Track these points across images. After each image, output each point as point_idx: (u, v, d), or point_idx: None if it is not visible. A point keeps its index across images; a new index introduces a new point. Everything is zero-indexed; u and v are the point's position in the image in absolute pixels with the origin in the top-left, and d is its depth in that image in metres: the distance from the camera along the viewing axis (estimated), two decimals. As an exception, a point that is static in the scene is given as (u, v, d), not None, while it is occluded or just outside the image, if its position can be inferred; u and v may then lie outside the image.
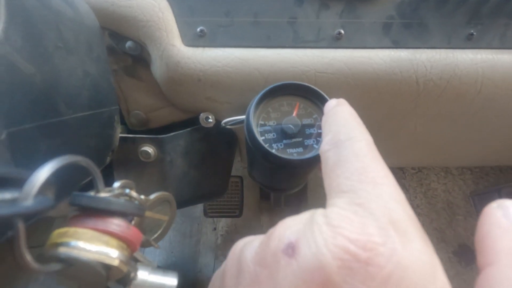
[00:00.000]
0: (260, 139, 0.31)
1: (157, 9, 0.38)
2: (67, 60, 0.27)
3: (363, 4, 0.40)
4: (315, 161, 0.30)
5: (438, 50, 0.41)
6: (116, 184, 0.20)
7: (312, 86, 0.33)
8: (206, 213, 1.17)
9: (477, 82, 0.41)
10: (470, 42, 0.42)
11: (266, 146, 0.31)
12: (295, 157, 0.31)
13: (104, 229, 0.16)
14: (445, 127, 0.49)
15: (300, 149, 0.32)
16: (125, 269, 0.16)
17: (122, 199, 0.18)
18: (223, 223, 1.38)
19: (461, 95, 0.42)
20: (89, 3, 0.36)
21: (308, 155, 0.30)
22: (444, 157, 0.60)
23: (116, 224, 0.17)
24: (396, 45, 0.41)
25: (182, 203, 0.47)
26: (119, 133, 0.38)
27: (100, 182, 0.18)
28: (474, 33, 0.41)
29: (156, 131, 0.46)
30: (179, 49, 0.39)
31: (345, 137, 0.20)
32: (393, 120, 0.47)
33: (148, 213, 0.22)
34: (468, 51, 0.41)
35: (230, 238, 1.35)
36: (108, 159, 0.38)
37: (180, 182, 0.43)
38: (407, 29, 0.41)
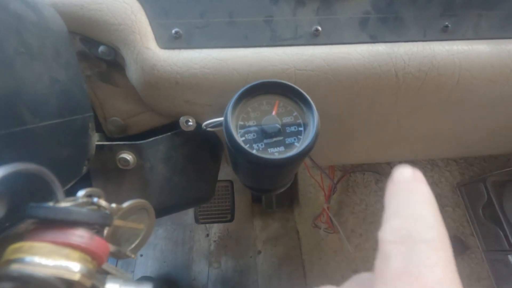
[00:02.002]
0: (240, 140, 0.31)
1: (129, 12, 0.37)
2: (30, 66, 0.26)
3: (338, 0, 0.40)
4: (297, 159, 0.29)
5: (415, 43, 0.41)
6: (81, 193, 0.18)
7: (290, 84, 0.33)
8: (197, 220, 1.15)
9: (455, 73, 0.42)
10: (445, 34, 0.42)
11: (246, 147, 0.30)
12: (276, 156, 0.30)
13: (64, 242, 0.15)
14: (427, 119, 0.49)
15: (282, 148, 0.32)
16: (88, 283, 0.15)
17: (84, 209, 0.17)
18: (215, 228, 1.36)
19: (440, 87, 0.43)
20: (56, 7, 0.34)
21: (289, 153, 0.30)
22: (429, 150, 0.61)
23: (77, 235, 0.16)
24: (373, 39, 0.41)
25: (167, 210, 0.45)
26: (95, 141, 0.36)
27: (59, 191, 0.17)
28: (449, 25, 0.42)
29: (136, 138, 0.45)
30: (154, 52, 0.38)
31: (420, 236, 0.16)
32: (375, 115, 0.47)
33: (119, 222, 0.21)
34: (444, 43, 0.42)
35: (223, 244, 1.33)
36: (84, 169, 0.36)
37: (162, 189, 0.42)
38: (384, 23, 0.41)
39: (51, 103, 0.28)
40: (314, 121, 0.31)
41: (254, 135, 0.32)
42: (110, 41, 0.37)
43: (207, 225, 1.37)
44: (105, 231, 0.20)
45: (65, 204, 0.17)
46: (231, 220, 1.16)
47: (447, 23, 0.42)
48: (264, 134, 0.32)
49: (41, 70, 0.27)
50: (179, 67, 0.38)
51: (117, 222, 0.20)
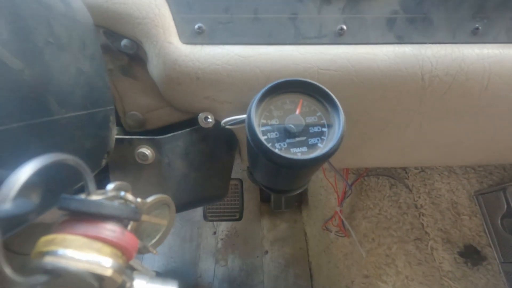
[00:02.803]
0: (263, 138, 0.30)
1: (153, 6, 0.37)
2: (59, 56, 0.26)
3: (365, -1, 0.39)
4: (320, 160, 0.29)
5: (443, 45, 0.40)
6: (110, 186, 0.18)
7: (316, 83, 0.32)
8: (206, 217, 1.15)
9: (484, 78, 0.40)
10: (475, 37, 0.41)
11: (268, 145, 0.30)
12: (299, 156, 0.30)
13: (96, 235, 0.15)
14: (451, 124, 0.47)
15: (304, 149, 0.31)
16: (119, 279, 0.15)
17: (116, 202, 0.17)
18: (223, 227, 1.36)
19: (467, 92, 0.41)
20: (84, 1, 0.35)
21: (313, 154, 0.29)
22: (449, 157, 0.59)
23: (109, 229, 0.15)
24: (400, 40, 0.40)
25: (182, 206, 0.45)
26: (114, 135, 0.36)
27: (91, 183, 0.17)
28: (480, 28, 0.40)
29: (154, 133, 0.45)
30: (176, 47, 0.37)
31: None
32: (398, 118, 0.46)
33: (145, 217, 0.20)
34: (474, 46, 0.40)
35: (230, 242, 1.33)
36: (103, 162, 0.36)
37: (179, 185, 0.42)
38: (412, 24, 0.40)
39: (76, 94, 0.28)
40: (340, 123, 0.30)
41: (276, 134, 0.31)
42: (133, 34, 0.37)
43: (214, 222, 1.37)
44: (129, 226, 0.20)
45: (96, 197, 0.16)
46: (239, 219, 1.16)
47: (477, 25, 0.40)
48: (287, 134, 0.31)
49: (68, 61, 0.27)
50: (200, 62, 0.38)
51: (143, 217, 0.20)
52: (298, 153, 0.31)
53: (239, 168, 1.35)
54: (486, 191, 0.75)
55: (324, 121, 0.33)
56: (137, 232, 0.21)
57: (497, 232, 0.71)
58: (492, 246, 0.71)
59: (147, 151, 0.37)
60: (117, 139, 0.37)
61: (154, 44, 0.37)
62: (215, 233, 1.37)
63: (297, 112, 0.32)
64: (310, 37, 0.39)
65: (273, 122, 0.32)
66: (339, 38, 0.40)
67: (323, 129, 0.32)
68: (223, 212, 1.16)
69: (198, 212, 1.36)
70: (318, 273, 1.09)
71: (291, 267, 1.26)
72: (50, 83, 0.24)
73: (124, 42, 0.38)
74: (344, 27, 0.39)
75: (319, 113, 0.33)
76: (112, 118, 0.35)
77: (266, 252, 1.32)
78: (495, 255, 0.70)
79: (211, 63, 0.38)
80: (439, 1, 0.40)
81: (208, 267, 1.29)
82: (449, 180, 0.77)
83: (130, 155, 0.38)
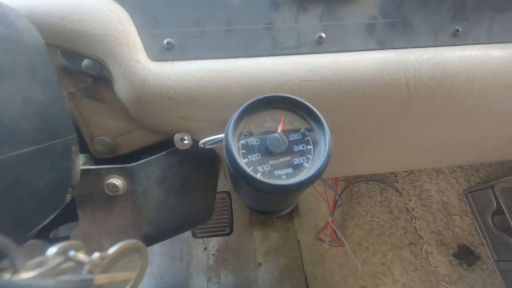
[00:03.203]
0: (243, 163, 0.27)
1: (116, 22, 0.33)
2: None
3: (343, 5, 0.37)
4: (307, 184, 0.26)
5: (425, 49, 0.39)
6: (51, 251, 0.15)
7: (296, 98, 0.30)
8: (194, 235, 1.10)
9: (468, 81, 0.39)
10: (456, 39, 0.40)
11: (250, 170, 0.27)
12: (284, 180, 0.27)
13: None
14: (438, 128, 0.46)
15: (289, 170, 0.28)
16: None
17: (52, 281, 0.13)
18: (213, 241, 1.32)
19: (453, 95, 0.40)
20: (33, 19, 0.31)
21: (299, 178, 0.26)
22: (437, 159, 0.58)
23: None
24: (381, 46, 0.39)
25: (162, 235, 0.41)
26: (79, 166, 0.32)
27: (17, 258, 0.13)
28: (460, 29, 0.39)
29: (127, 157, 0.41)
30: (144, 65, 0.34)
31: None
32: (385, 125, 0.44)
33: (103, 278, 0.17)
34: (456, 48, 0.39)
35: (222, 257, 1.29)
36: (68, 197, 0.32)
37: (157, 213, 0.38)
38: (392, 28, 0.38)
39: (24, 128, 0.24)
40: (326, 141, 0.27)
41: (258, 156, 0.29)
42: (95, 54, 0.34)
43: (205, 238, 1.32)
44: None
45: (27, 274, 0.13)
46: (229, 233, 1.12)
47: (458, 27, 0.39)
48: (269, 155, 0.29)
49: (12, 91, 0.24)
50: (172, 80, 0.34)
51: (99, 279, 0.16)
52: (283, 175, 0.28)
53: (227, 181, 1.32)
54: (475, 189, 0.74)
55: (308, 138, 0.30)
56: (97, 292, 0.18)
57: (488, 230, 0.70)
58: (485, 245, 0.70)
59: (117, 181, 0.34)
60: (82, 170, 0.33)
61: (119, 63, 0.34)
62: (205, 249, 1.32)
63: (279, 130, 0.30)
64: (288, 47, 0.37)
65: (254, 142, 0.29)
66: (318, 46, 0.38)
67: (308, 147, 0.30)
68: (213, 227, 1.12)
69: (186, 228, 1.31)
70: (314, 283, 1.06)
71: (286, 278, 1.23)
72: (-14, 120, 0.21)
73: (85, 62, 0.34)
74: (323, 35, 0.37)
75: (302, 130, 0.30)
76: (75, 148, 0.32)
77: (260, 264, 1.28)
78: (489, 253, 0.70)
79: (184, 80, 0.35)
80: (417, 3, 0.38)
81: (200, 286, 1.23)
82: (437, 180, 0.77)
83: (98, 187, 0.34)
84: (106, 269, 0.18)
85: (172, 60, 0.35)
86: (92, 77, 0.37)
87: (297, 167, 0.28)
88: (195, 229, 1.10)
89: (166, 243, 1.32)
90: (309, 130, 0.30)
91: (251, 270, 1.26)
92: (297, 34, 0.37)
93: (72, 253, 0.15)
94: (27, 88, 0.25)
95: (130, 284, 0.21)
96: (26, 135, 0.24)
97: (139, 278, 0.22)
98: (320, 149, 0.28)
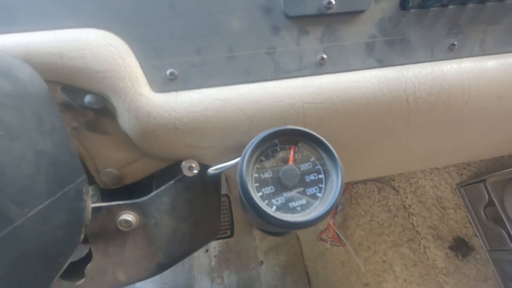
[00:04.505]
0: (258, 198, 0.28)
1: (116, 56, 0.33)
2: (10, 148, 0.22)
3: (343, 25, 0.38)
4: (323, 218, 0.27)
5: (423, 65, 0.40)
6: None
7: (308, 130, 0.30)
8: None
9: (465, 93, 0.40)
10: (452, 53, 0.41)
11: (265, 204, 0.28)
12: (300, 214, 0.28)
13: None
14: (435, 137, 0.48)
15: (303, 201, 0.29)
16: None
17: None
18: (215, 243, 1.33)
19: (450, 108, 0.41)
20: (31, 59, 0.30)
21: (315, 213, 0.27)
22: (432, 161, 0.60)
23: None
24: (381, 64, 0.39)
25: (176, 260, 0.42)
26: (90, 205, 0.32)
27: None
28: (456, 43, 0.40)
29: (134, 186, 0.41)
30: (148, 98, 0.34)
31: None
32: (385, 138, 0.45)
33: None
34: (452, 61, 0.40)
35: (224, 258, 1.30)
36: (82, 237, 0.32)
37: (169, 242, 0.38)
38: (390, 46, 0.39)
39: (39, 183, 0.24)
40: (338, 173, 0.28)
41: (272, 189, 0.29)
42: (97, 90, 0.33)
43: (205, 240, 1.33)
44: None
45: None
46: (231, 236, 1.13)
47: (453, 41, 0.40)
48: (283, 188, 0.29)
49: (23, 149, 0.23)
50: (177, 112, 0.34)
51: None
52: (298, 207, 0.29)
53: (225, 182, 1.32)
54: (467, 183, 0.78)
55: (319, 167, 0.31)
56: None
57: (481, 222, 0.74)
58: (479, 236, 0.74)
59: (129, 216, 0.34)
60: (94, 208, 0.33)
61: (123, 98, 0.33)
62: (207, 250, 1.33)
63: (291, 161, 0.30)
64: (291, 71, 0.37)
65: (266, 175, 0.30)
66: (320, 68, 0.38)
67: (320, 176, 0.30)
68: (214, 231, 1.12)
69: (187, 232, 1.32)
70: (316, 278, 1.09)
71: (288, 274, 1.26)
72: (4, 187, 0.20)
73: (88, 98, 0.34)
74: (325, 56, 0.37)
75: (312, 159, 0.31)
76: (85, 189, 0.31)
77: (262, 262, 1.30)
78: (482, 244, 0.74)
79: (189, 111, 0.35)
80: (414, 20, 0.39)
81: (204, 287, 1.25)
82: (431, 176, 0.79)
83: (110, 223, 0.34)
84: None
85: (176, 90, 0.35)
86: (94, 110, 0.36)
87: (311, 197, 0.29)
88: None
89: (167, 248, 1.32)
90: (319, 158, 0.31)
91: (253, 268, 1.28)
92: (299, 57, 0.37)
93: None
94: (36, 141, 0.25)
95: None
96: (42, 190, 0.24)
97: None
98: (333, 180, 0.29)
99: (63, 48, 0.31)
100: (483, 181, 0.73)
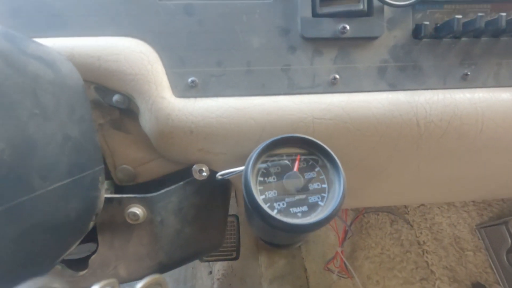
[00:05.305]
0: (261, 200, 0.29)
1: (146, 62, 0.36)
2: (44, 126, 0.25)
3: (356, 49, 0.40)
4: (323, 223, 0.27)
5: (435, 91, 0.40)
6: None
7: (313, 139, 0.31)
8: (200, 258, 1.09)
9: (478, 122, 0.40)
10: (465, 82, 0.41)
11: (267, 206, 0.28)
12: (300, 219, 0.28)
13: None
14: (448, 165, 0.47)
15: (305, 208, 0.30)
16: None
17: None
18: (219, 265, 1.30)
19: (463, 135, 0.41)
20: (73, 59, 0.34)
21: (315, 218, 0.27)
22: (448, 194, 0.58)
23: None
24: (393, 87, 0.40)
25: (176, 263, 0.42)
26: (103, 195, 0.34)
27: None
28: (469, 73, 0.41)
29: (145, 185, 0.43)
30: (169, 101, 0.37)
31: None
32: (395, 162, 0.45)
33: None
34: (465, 90, 0.41)
35: (227, 282, 1.26)
36: (91, 224, 0.34)
37: (173, 243, 0.39)
38: (402, 72, 0.41)
39: (63, 163, 0.26)
40: (340, 182, 0.29)
41: (275, 193, 0.30)
42: (125, 90, 0.37)
43: (210, 262, 1.30)
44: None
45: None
46: (236, 258, 1.10)
47: (466, 71, 0.41)
48: (285, 192, 0.30)
49: (54, 130, 0.26)
50: (194, 116, 0.37)
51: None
52: (299, 213, 0.29)
53: (235, 202, 1.32)
54: (488, 224, 0.73)
55: (323, 177, 0.31)
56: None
57: (504, 268, 0.68)
58: (501, 283, 0.68)
59: (138, 210, 0.35)
60: (106, 198, 0.35)
61: (147, 100, 0.36)
62: (210, 272, 1.30)
63: (295, 168, 0.31)
64: (303, 87, 0.39)
65: (271, 179, 0.31)
66: (332, 87, 0.40)
67: (323, 186, 0.31)
68: (220, 251, 1.11)
69: (192, 250, 1.30)
70: (321, 315, 1.02)
71: (292, 307, 1.19)
72: (33, 158, 0.23)
73: (116, 97, 0.37)
74: (337, 76, 0.39)
75: (317, 168, 0.32)
76: (101, 178, 0.34)
77: (265, 291, 1.24)
78: (505, 293, 0.68)
79: (205, 116, 0.37)
80: (427, 49, 0.41)
81: (204, 312, 1.20)
82: (449, 213, 0.76)
83: (119, 215, 0.36)
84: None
85: (195, 97, 0.38)
86: (119, 109, 0.39)
87: (312, 206, 0.30)
88: (202, 253, 1.09)
89: (171, 265, 1.30)
90: (324, 168, 0.32)
91: (256, 297, 1.23)
92: (312, 75, 0.39)
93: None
94: (66, 126, 0.28)
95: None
96: (63, 169, 0.27)
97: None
98: (335, 189, 0.29)
99: (102, 52, 0.36)
100: (506, 223, 0.68)
